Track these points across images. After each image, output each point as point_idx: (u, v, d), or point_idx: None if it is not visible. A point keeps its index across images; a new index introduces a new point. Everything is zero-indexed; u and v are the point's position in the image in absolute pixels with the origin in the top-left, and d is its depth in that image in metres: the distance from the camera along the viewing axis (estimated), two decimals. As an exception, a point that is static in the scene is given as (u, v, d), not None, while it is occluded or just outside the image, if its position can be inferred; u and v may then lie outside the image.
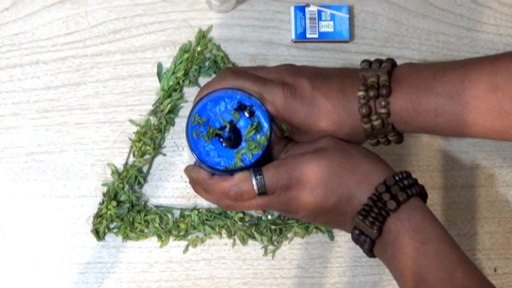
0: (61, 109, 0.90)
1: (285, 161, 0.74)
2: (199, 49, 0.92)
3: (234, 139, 0.76)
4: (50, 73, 0.91)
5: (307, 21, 0.92)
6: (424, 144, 0.94)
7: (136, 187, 0.90)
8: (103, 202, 0.89)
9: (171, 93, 0.91)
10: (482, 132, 0.72)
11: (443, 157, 0.94)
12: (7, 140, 0.89)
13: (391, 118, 0.74)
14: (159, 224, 0.89)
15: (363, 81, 0.74)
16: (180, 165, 0.91)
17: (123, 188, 0.89)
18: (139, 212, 0.89)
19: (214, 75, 0.92)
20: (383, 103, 0.73)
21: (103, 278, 0.89)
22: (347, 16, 0.92)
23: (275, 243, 0.91)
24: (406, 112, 0.73)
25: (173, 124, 0.91)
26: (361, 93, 0.73)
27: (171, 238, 0.90)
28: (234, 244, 0.91)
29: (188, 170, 0.78)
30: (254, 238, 0.90)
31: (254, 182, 0.73)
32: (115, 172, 0.90)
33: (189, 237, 0.90)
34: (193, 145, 0.75)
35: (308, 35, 0.92)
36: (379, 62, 0.76)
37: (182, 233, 0.90)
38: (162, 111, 0.91)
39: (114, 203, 0.88)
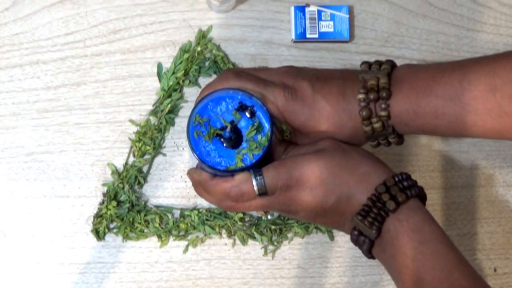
0: (61, 109, 0.90)
1: (285, 161, 0.74)
2: (199, 49, 0.92)
3: (235, 139, 0.76)
4: (50, 73, 0.91)
5: (307, 21, 0.92)
6: (424, 144, 0.94)
7: (136, 187, 0.90)
8: (103, 202, 0.89)
9: (171, 93, 0.91)
10: (482, 132, 0.72)
11: (443, 157, 0.94)
12: (7, 140, 0.90)
13: (391, 121, 0.74)
14: (159, 224, 0.90)
15: (363, 83, 0.74)
16: (180, 165, 0.91)
17: (123, 188, 0.89)
18: (139, 212, 0.89)
19: (214, 75, 0.92)
20: (383, 105, 0.73)
21: (103, 278, 0.89)
22: (347, 16, 0.92)
23: (275, 243, 0.91)
24: (406, 114, 0.73)
25: (173, 124, 0.91)
26: (361, 96, 0.73)
27: (171, 238, 0.90)
28: (234, 244, 0.91)
29: (190, 172, 0.78)
30: (254, 238, 0.90)
31: (254, 182, 0.73)
32: (115, 172, 0.90)
33: (189, 237, 0.90)
34: (194, 145, 0.75)
35: (308, 35, 0.92)
36: (379, 64, 0.76)
37: (182, 233, 0.90)
38: (162, 111, 0.91)
39: (114, 203, 0.89)
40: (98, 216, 0.89)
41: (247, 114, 0.76)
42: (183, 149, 0.91)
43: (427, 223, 0.71)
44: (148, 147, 0.90)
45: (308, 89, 0.75)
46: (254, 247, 0.91)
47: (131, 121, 0.91)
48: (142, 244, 0.90)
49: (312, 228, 0.91)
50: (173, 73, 0.91)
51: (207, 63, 0.92)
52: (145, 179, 0.90)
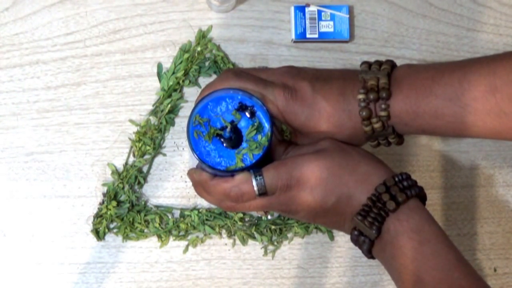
0: (61, 109, 0.90)
1: (285, 161, 0.74)
2: (199, 49, 0.92)
3: (235, 139, 0.76)
4: (50, 73, 0.91)
5: (307, 21, 0.92)
6: (424, 144, 0.94)
7: (136, 187, 0.90)
8: (103, 202, 0.89)
9: (171, 93, 0.91)
10: (482, 132, 0.72)
11: (443, 157, 0.94)
12: (7, 140, 0.90)
13: (391, 121, 0.74)
14: (159, 224, 0.90)
15: (363, 84, 0.74)
16: (180, 165, 0.91)
17: (123, 188, 0.89)
18: (139, 212, 0.89)
19: (214, 75, 0.92)
20: (383, 106, 0.73)
21: (103, 278, 0.89)
22: (347, 16, 0.92)
23: (275, 243, 0.91)
24: (406, 115, 0.73)
25: (173, 124, 0.91)
26: (361, 96, 0.73)
27: (171, 238, 0.90)
28: (234, 244, 0.91)
29: (190, 172, 0.78)
30: (254, 238, 0.90)
31: (254, 183, 0.73)
32: (115, 172, 0.90)
33: (189, 237, 0.90)
34: (194, 145, 0.75)
35: (308, 35, 0.92)
36: (379, 64, 0.76)
37: (182, 233, 0.90)
38: (162, 111, 0.91)
39: (114, 203, 0.89)
40: (98, 216, 0.89)
41: (247, 114, 0.76)
42: (183, 149, 0.91)
43: (427, 223, 0.71)
44: (148, 147, 0.90)
45: (308, 89, 0.75)
46: (254, 247, 0.91)
47: (131, 121, 0.91)
48: (142, 244, 0.90)
49: (312, 228, 0.91)
50: (173, 73, 0.91)
51: (207, 63, 0.92)
52: (145, 179, 0.90)
